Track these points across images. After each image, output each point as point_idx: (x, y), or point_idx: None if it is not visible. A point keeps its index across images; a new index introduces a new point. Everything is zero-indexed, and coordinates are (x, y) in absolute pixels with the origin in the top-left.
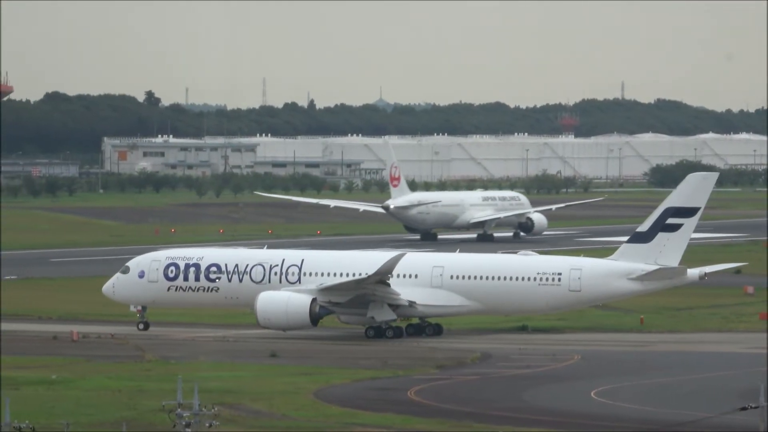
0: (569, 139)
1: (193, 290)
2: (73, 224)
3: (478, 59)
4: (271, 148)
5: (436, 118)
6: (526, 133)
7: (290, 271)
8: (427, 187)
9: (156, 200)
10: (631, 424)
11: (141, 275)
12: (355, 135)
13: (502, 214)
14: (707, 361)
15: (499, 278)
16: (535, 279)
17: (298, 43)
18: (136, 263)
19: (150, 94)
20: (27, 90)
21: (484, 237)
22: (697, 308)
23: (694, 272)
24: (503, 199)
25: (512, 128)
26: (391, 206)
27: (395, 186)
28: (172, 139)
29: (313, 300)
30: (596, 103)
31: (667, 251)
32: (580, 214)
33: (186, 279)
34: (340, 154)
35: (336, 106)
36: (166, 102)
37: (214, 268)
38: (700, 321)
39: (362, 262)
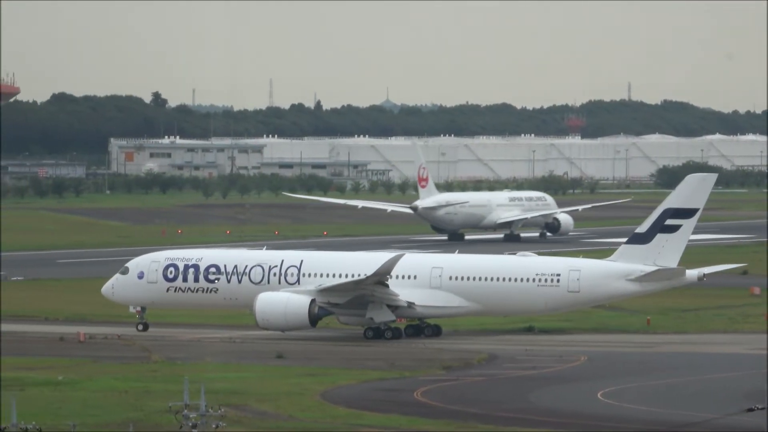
0: (576, 140)
1: (192, 291)
2: (79, 225)
3: (485, 60)
4: (278, 149)
5: (442, 119)
6: (532, 134)
7: (289, 272)
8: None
9: (163, 201)
10: (638, 426)
11: (140, 276)
12: (361, 136)
13: (528, 215)
14: (713, 362)
15: (497, 279)
16: (533, 280)
17: (304, 44)
18: (135, 264)
19: (157, 95)
20: (34, 91)
21: (511, 237)
22: (704, 309)
23: (693, 273)
24: (530, 199)
25: (519, 129)
26: (420, 207)
27: (423, 187)
28: (178, 140)
29: (312, 301)
30: (603, 104)
31: (666, 252)
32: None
33: (185, 280)
34: (347, 155)
35: (343, 107)
36: (172, 103)
37: (213, 269)
38: (707, 322)
39: (361, 263)
